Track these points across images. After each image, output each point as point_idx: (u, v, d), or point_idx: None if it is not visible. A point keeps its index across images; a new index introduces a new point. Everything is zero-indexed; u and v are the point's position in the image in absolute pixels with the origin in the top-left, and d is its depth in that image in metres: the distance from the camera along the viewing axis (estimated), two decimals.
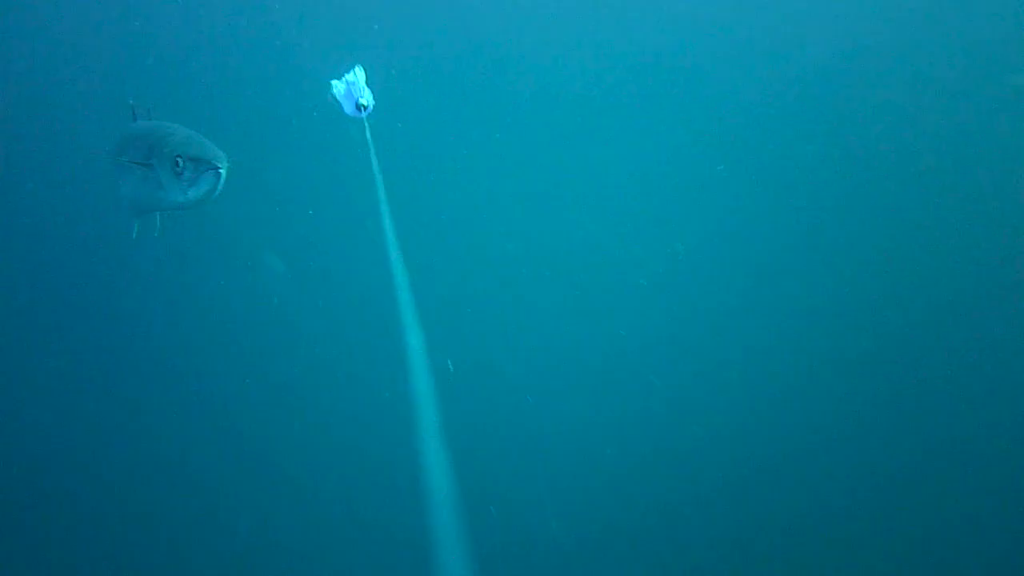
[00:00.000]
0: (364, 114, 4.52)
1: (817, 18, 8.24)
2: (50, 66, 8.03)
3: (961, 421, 6.09)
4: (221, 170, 3.91)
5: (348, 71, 4.56)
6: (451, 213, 7.41)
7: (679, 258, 7.07)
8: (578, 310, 7.03)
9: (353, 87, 4.53)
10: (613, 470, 6.12)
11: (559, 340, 6.77)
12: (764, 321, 6.74)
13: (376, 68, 4.61)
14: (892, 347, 6.49)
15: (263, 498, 5.99)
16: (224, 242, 7.12)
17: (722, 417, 6.30)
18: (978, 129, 7.38)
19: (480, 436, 5.95)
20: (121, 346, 6.75)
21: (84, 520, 5.89)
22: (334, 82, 4.54)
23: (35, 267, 7.11)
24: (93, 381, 6.55)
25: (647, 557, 5.75)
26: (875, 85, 7.86)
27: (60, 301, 6.95)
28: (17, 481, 5.94)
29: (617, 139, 8.06)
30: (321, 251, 7.18)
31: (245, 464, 6.12)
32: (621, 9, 8.67)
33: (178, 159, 3.95)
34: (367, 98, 4.45)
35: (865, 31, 8.09)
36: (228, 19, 8.04)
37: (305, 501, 5.98)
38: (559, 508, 5.89)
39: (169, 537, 5.81)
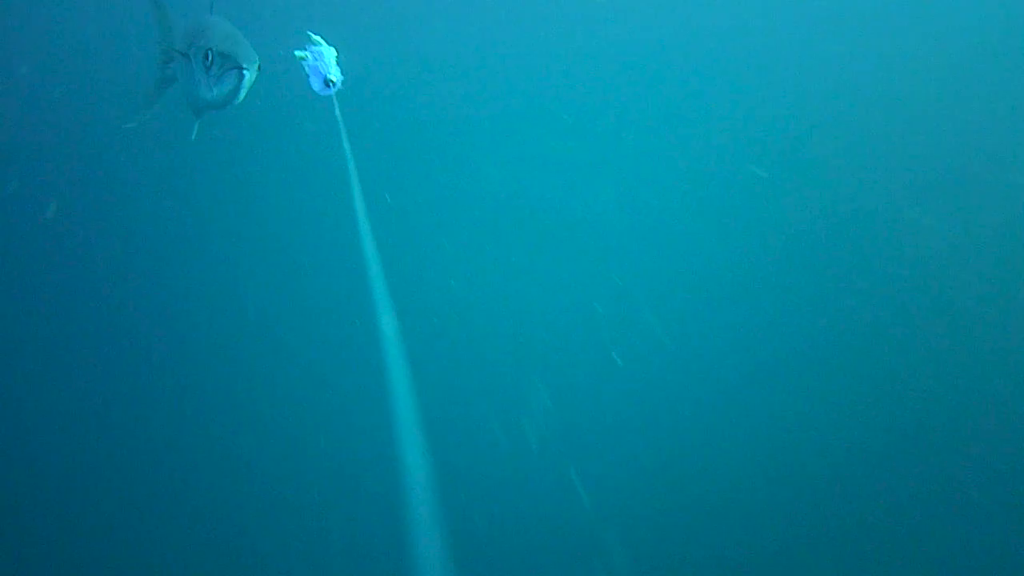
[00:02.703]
0: (333, 90, 4.27)
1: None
2: None
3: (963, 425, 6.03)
4: (245, 71, 3.83)
5: (315, 45, 4.30)
6: (426, 195, 7.25)
7: None
8: (557, 297, 6.90)
9: (321, 62, 4.27)
10: (598, 466, 5.99)
11: (540, 330, 6.63)
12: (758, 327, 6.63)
13: (346, 41, 4.37)
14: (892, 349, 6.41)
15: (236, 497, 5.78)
16: (187, 227, 6.88)
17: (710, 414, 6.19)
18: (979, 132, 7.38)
19: (458, 432, 5.82)
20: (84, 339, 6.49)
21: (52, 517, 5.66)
22: (300, 55, 4.30)
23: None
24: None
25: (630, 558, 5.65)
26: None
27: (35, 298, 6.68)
28: None
29: (594, 121, 7.98)
30: (291, 235, 6.98)
31: (215, 461, 5.91)
32: None
33: (208, 52, 3.89)
34: (335, 73, 4.20)
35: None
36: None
37: (280, 499, 5.79)
38: (543, 506, 5.75)
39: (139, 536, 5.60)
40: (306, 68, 4.29)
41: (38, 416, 6.01)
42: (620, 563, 5.55)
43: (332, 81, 4.22)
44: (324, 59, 4.26)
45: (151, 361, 6.34)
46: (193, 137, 4.67)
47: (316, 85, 4.29)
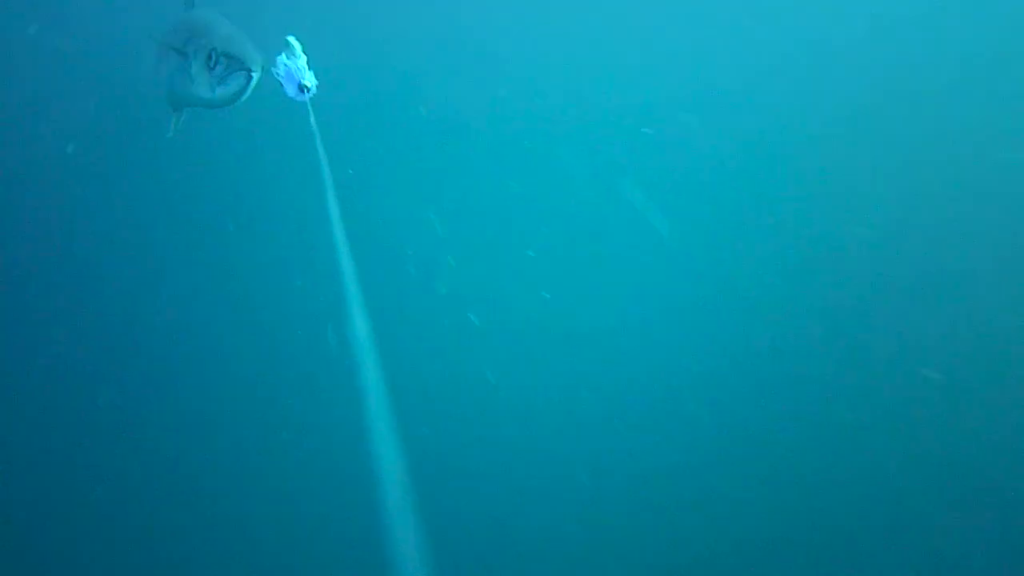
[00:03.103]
0: (307, 96, 4.23)
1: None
2: None
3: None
4: (253, 73, 3.87)
5: (288, 49, 4.26)
6: (401, 199, 7.21)
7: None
8: (537, 299, 6.89)
9: (294, 67, 4.23)
10: (585, 467, 5.99)
11: (518, 333, 6.62)
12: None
13: (320, 45, 4.34)
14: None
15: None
16: (158, 229, 6.79)
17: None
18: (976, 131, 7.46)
19: (435, 430, 5.80)
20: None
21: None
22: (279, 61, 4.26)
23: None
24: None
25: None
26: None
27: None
28: None
29: (583, 128, 7.98)
30: (264, 240, 6.91)
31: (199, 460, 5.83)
32: None
33: (212, 53, 3.86)
34: (310, 79, 4.16)
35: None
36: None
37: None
38: (523, 503, 5.75)
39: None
40: (280, 74, 4.25)
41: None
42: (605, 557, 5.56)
43: (307, 87, 4.19)
44: (297, 64, 4.23)
45: (121, 360, 6.29)
46: (170, 134, 4.64)
47: (290, 91, 4.27)
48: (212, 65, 3.92)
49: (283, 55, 4.25)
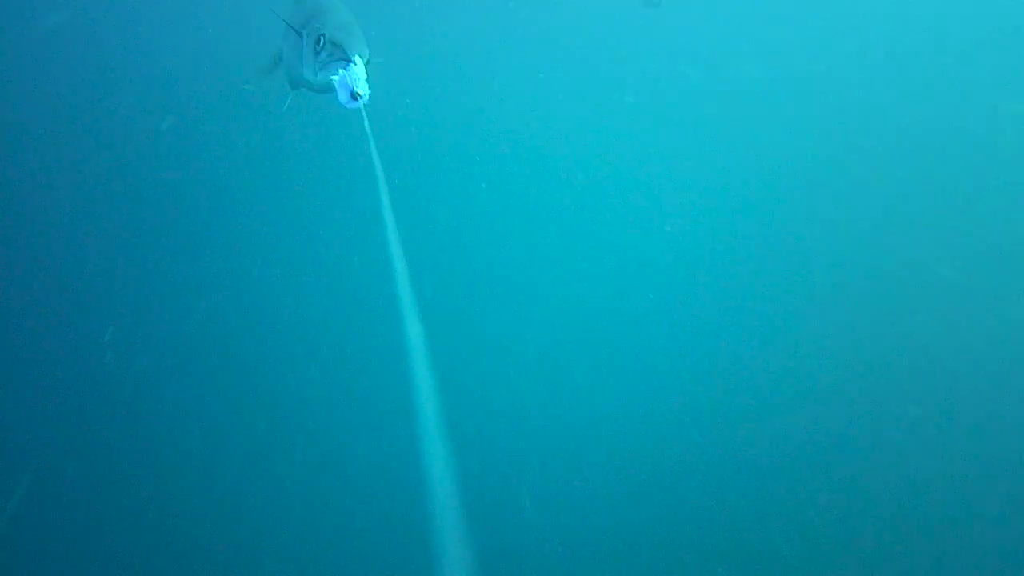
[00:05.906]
0: (360, 103, 4.23)
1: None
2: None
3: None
4: (351, 64, 3.95)
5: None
6: (457, 211, 7.22)
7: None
8: (583, 309, 6.82)
9: (348, 74, 4.24)
10: (620, 470, 5.90)
11: (564, 340, 6.55)
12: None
13: (374, 52, 4.33)
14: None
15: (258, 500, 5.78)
16: (216, 238, 6.91)
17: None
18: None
19: (483, 437, 5.75)
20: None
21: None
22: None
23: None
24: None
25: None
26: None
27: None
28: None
29: (627, 137, 7.88)
30: (318, 250, 6.98)
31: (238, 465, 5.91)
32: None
33: (320, 38, 3.98)
34: (363, 87, 4.16)
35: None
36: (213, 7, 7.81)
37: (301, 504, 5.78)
38: (565, 509, 5.68)
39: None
40: (334, 81, 4.26)
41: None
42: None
43: (359, 94, 4.19)
44: (352, 72, 4.23)
45: (176, 362, 6.37)
46: (285, 108, 4.85)
47: (343, 98, 4.27)
48: (318, 50, 3.94)
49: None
